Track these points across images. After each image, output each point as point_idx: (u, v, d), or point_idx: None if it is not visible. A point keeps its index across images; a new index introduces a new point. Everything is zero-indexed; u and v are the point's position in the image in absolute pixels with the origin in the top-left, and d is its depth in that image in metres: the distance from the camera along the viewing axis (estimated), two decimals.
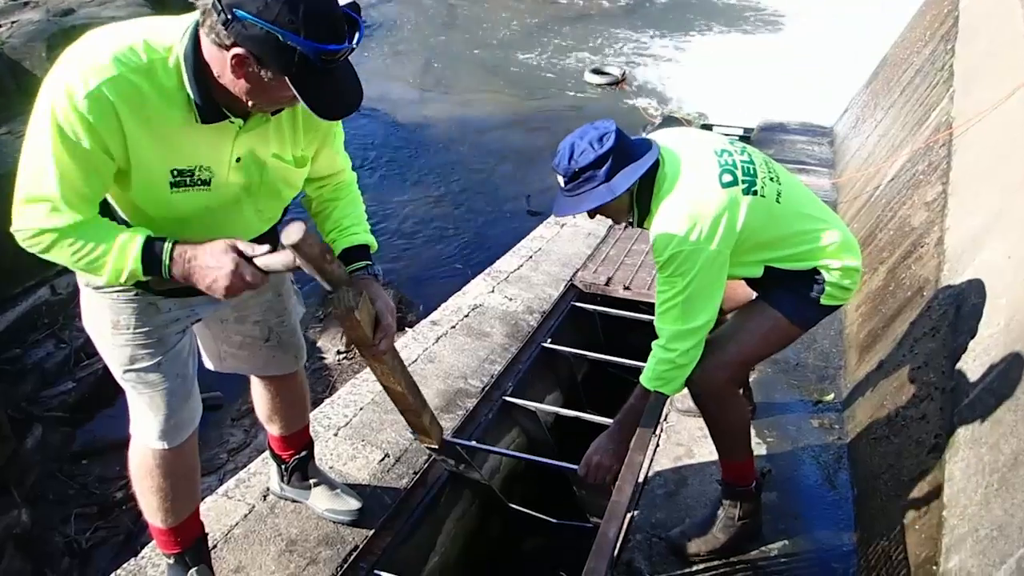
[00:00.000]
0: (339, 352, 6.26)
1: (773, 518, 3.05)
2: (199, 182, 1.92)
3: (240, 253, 1.86)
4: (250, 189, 2.04)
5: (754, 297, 2.69)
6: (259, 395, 2.74)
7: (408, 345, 4.37)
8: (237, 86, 1.76)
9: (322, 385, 5.82)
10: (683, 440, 3.55)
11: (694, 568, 2.86)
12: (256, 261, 1.86)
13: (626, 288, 5.14)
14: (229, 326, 2.47)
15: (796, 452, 3.48)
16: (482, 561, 3.64)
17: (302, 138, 2.07)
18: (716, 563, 2.87)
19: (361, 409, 3.71)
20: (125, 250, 1.83)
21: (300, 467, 2.96)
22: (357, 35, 1.74)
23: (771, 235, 2.46)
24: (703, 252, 2.33)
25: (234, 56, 1.70)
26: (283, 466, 2.96)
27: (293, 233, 1.77)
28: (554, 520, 3.56)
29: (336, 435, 3.50)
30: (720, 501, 2.87)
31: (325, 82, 1.73)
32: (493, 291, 5.10)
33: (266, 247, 1.87)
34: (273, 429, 2.84)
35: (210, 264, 1.84)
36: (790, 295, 2.57)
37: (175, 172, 1.87)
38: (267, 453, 3.07)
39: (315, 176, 2.25)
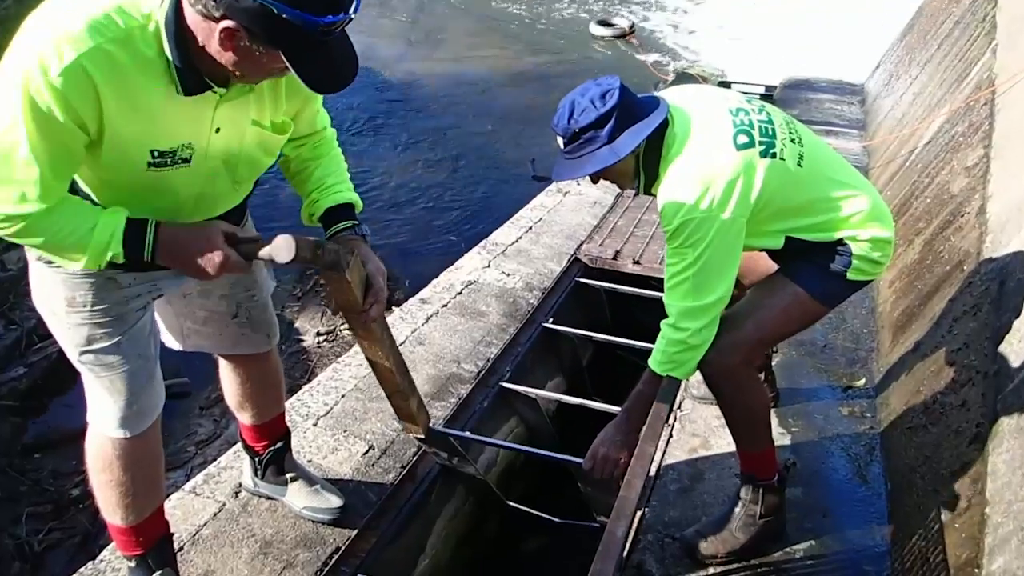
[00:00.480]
0: (319, 334, 6.26)
1: (798, 516, 3.04)
2: (180, 161, 1.92)
3: (228, 237, 1.90)
4: (229, 160, 2.04)
5: (775, 270, 2.68)
6: (228, 379, 2.73)
7: (395, 325, 4.35)
8: (224, 57, 1.75)
9: (300, 370, 5.81)
10: (699, 430, 3.55)
11: (710, 571, 2.85)
12: (243, 248, 1.91)
13: (636, 262, 5.13)
14: (193, 300, 2.46)
15: (823, 443, 3.47)
16: (477, 564, 3.64)
17: (284, 103, 2.06)
18: (735, 566, 2.86)
19: (343, 396, 3.70)
20: (104, 235, 1.84)
21: (275, 460, 2.95)
22: (355, 3, 1.71)
23: (792, 202, 2.45)
24: (716, 220, 2.31)
25: (223, 29, 1.69)
26: (256, 459, 2.95)
27: (283, 251, 1.86)
28: (557, 519, 3.56)
29: (315, 425, 3.49)
30: (739, 497, 2.86)
31: (320, 55, 1.72)
32: (489, 266, 5.09)
33: (254, 234, 1.94)
34: (244, 418, 2.83)
35: (201, 248, 1.88)
36: (813, 268, 2.55)
37: (155, 153, 1.87)
38: (239, 445, 3.06)
39: (295, 136, 2.25)
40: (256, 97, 1.99)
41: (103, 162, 1.84)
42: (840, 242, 2.50)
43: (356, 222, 2.23)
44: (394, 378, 2.50)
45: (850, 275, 2.52)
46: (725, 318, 2.52)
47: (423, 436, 2.86)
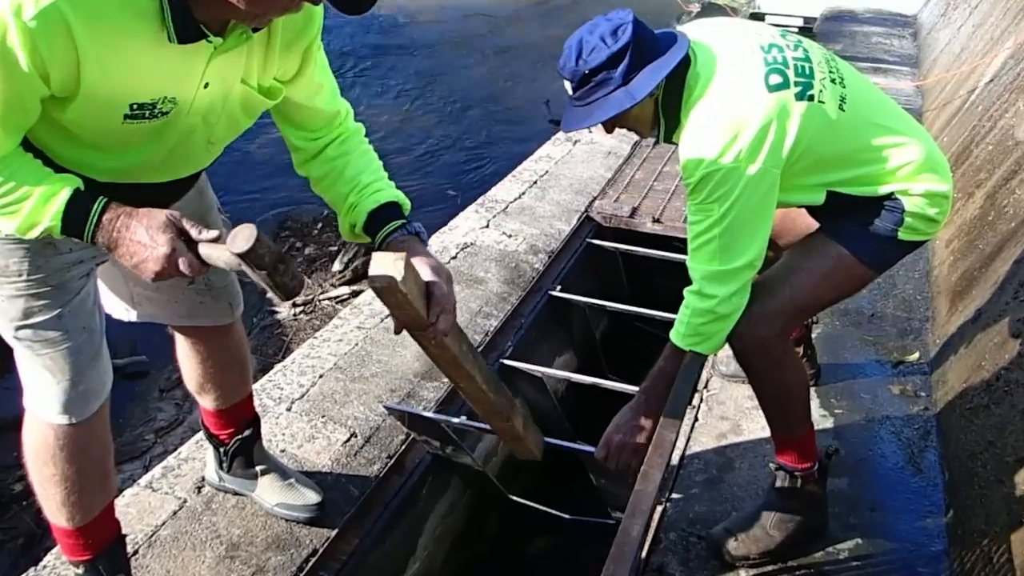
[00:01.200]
0: (295, 304, 6.25)
1: (842, 511, 3.03)
2: (159, 114, 1.90)
3: (181, 232, 1.83)
4: (209, 118, 2.02)
5: (814, 230, 2.65)
6: (186, 357, 2.71)
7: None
8: None
9: (274, 346, 5.82)
10: (728, 412, 3.54)
11: (741, 575, 2.84)
12: (201, 250, 1.84)
13: (656, 221, 5.12)
14: None
15: (871, 426, 3.46)
16: (476, 566, 3.64)
17: (276, 62, 2.05)
18: (770, 568, 2.85)
19: (321, 377, 3.69)
20: (46, 202, 1.81)
21: (243, 451, 2.93)
22: None
23: (833, 151, 2.42)
24: (744, 172, 2.28)
25: None
26: (222, 450, 2.93)
27: (241, 240, 1.74)
28: (566, 515, 3.56)
29: (289, 410, 3.48)
30: (774, 489, 2.84)
31: None
32: (488, 226, 5.09)
33: (215, 232, 1.84)
34: (207, 402, 2.81)
35: (143, 240, 1.81)
36: (859, 227, 2.52)
37: (134, 106, 1.85)
38: (201, 434, 3.04)
39: (310, 128, 2.24)
40: (248, 54, 1.97)
41: (71, 117, 1.82)
42: (889, 197, 2.47)
43: (405, 220, 2.18)
44: (485, 396, 2.44)
45: (901, 234, 2.49)
46: (758, 284, 2.50)
47: (539, 458, 2.86)
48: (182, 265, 1.82)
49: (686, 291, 2.48)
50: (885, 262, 2.60)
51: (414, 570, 3.25)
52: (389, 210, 2.19)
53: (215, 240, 1.83)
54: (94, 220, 1.82)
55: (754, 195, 2.31)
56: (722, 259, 2.37)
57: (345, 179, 2.24)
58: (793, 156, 2.34)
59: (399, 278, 1.86)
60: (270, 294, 1.91)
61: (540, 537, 3.84)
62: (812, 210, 2.65)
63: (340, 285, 6.49)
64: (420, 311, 1.98)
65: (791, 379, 2.63)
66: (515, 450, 2.84)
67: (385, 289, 1.89)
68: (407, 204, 2.24)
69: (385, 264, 1.87)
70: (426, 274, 2.03)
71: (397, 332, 2.08)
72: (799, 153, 2.35)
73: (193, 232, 1.83)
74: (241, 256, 1.73)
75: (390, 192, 2.22)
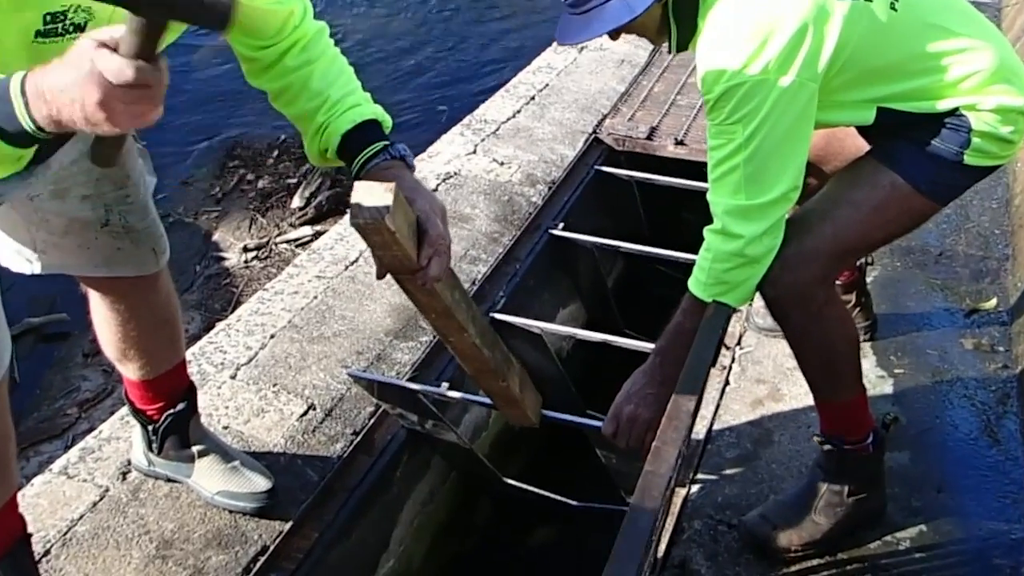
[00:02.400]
0: (246, 249, 6.26)
1: (903, 492, 3.03)
2: (71, 28, 1.87)
3: (101, 43, 1.60)
4: None
5: (864, 153, 2.62)
6: (104, 319, 2.69)
7: (345, 237, 4.34)
8: None
9: (221, 300, 5.84)
10: (765, 374, 3.53)
11: (781, 571, 2.84)
12: (122, 47, 1.60)
13: (679, 143, 5.11)
14: (44, 204, 2.40)
15: (938, 389, 3.46)
16: (464, 562, 3.66)
17: None
18: (817, 563, 2.84)
19: (272, 337, 3.68)
20: None
21: (176, 429, 2.92)
22: None
23: (883, 60, 2.40)
24: (775, 86, 2.25)
25: None
26: (150, 428, 2.92)
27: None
28: (574, 502, 3.55)
29: (234, 378, 3.47)
30: (820, 467, 2.84)
31: None
32: (475, 151, 5.08)
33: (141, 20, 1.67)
34: (130, 371, 2.80)
35: (67, 78, 1.61)
36: (917, 150, 2.49)
37: (48, 18, 1.82)
38: (126, 409, 3.03)
39: (256, 30, 2.16)
40: None
41: None
42: (954, 113, 2.43)
43: (388, 142, 2.16)
44: (479, 352, 2.45)
45: (968, 158, 2.45)
46: (794, 220, 2.49)
47: (536, 424, 2.88)
48: (111, 73, 1.58)
49: (707, 231, 2.46)
50: (949, 191, 2.57)
51: (387, 569, 3.25)
52: (368, 130, 2.16)
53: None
54: (20, 96, 1.63)
55: (786, 114, 2.28)
56: (749, 192, 2.35)
57: (310, 93, 2.19)
58: (834, 67, 2.32)
59: (387, 213, 1.85)
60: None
61: (541, 528, 3.86)
62: (863, 130, 2.62)
63: (300, 225, 6.47)
64: (410, 252, 1.98)
65: (836, 333, 2.60)
66: (509, 416, 2.86)
67: (370, 226, 1.87)
68: (388, 122, 2.22)
69: (370, 195, 1.86)
70: (417, 207, 2.02)
71: (380, 276, 2.06)
72: (842, 63, 2.32)
73: (107, 35, 1.62)
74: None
75: (368, 108, 2.19)
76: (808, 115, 2.33)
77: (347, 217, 4.40)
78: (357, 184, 1.90)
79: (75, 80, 1.59)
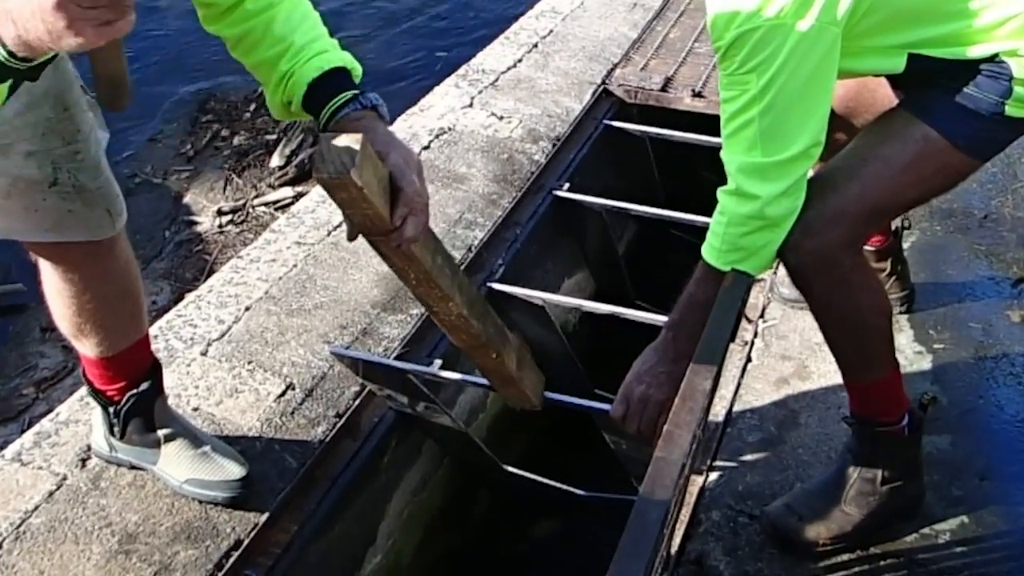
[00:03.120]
0: (221, 212, 6.26)
1: (942, 479, 3.02)
2: None
3: None
4: None
5: (895, 104, 2.61)
6: (57, 290, 2.67)
7: (328, 199, 4.25)
8: None
9: (193, 268, 5.85)
10: (792, 349, 3.53)
11: (809, 567, 2.83)
12: None
13: (697, 95, 5.10)
14: None
15: (982, 366, 3.45)
16: (459, 557, 3.67)
17: None
18: (847, 557, 2.84)
19: (248, 310, 3.68)
20: None
21: (140, 411, 2.91)
22: None
23: (912, 2, 2.39)
24: (792, 31, 2.23)
25: None
26: (111, 410, 2.92)
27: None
28: (581, 491, 3.54)
29: (205, 354, 3.47)
30: (850, 452, 2.84)
31: None
32: (472, 104, 5.07)
33: None
34: (88, 347, 2.79)
35: (32, 4, 1.54)
36: (952, 101, 2.47)
37: None
38: (84, 390, 3.03)
39: None
40: None
41: None
42: (993, 60, 2.40)
43: (359, 90, 2.15)
44: (469, 325, 2.43)
45: (1010, 109, 2.42)
46: (817, 178, 2.48)
47: (537, 406, 2.87)
48: None
49: (720, 192, 2.44)
50: (989, 146, 2.54)
51: (374, 565, 3.25)
52: (336, 79, 2.15)
53: None
54: None
55: (806, 61, 2.26)
56: (765, 148, 2.33)
57: (272, 39, 2.18)
58: (859, 9, 2.29)
59: (354, 167, 1.85)
60: None
61: (544, 519, 3.87)
62: (894, 80, 2.61)
63: (280, 186, 6.47)
64: (381, 210, 1.97)
65: (865, 303, 2.59)
66: (507, 397, 2.85)
67: (335, 182, 1.87)
68: (358, 70, 2.20)
69: (335, 148, 1.86)
70: (390, 162, 2.02)
71: (351, 239, 2.06)
72: (868, 5, 2.30)
73: None
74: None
75: (335, 55, 2.18)
76: (830, 63, 2.31)
77: None
78: (322, 136, 1.90)
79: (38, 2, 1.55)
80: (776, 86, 2.26)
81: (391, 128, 2.12)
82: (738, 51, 2.25)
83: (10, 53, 1.61)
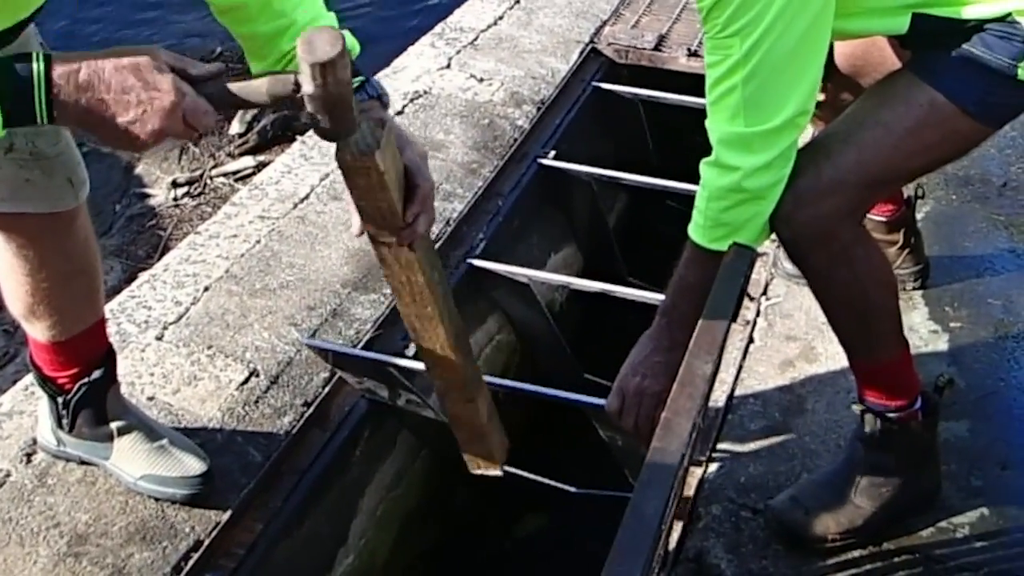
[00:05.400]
0: (176, 184, 6.23)
1: (960, 468, 3.03)
2: None
3: (177, 71, 1.79)
4: None
5: (899, 67, 2.61)
6: (10, 267, 2.66)
7: (293, 169, 4.34)
8: None
9: (146, 246, 5.83)
10: (797, 330, 3.54)
11: (817, 564, 2.84)
12: (233, 88, 1.81)
13: (692, 54, 5.12)
14: None
15: (1003, 346, 3.47)
16: (438, 559, 3.67)
17: None
18: (859, 554, 2.84)
19: (207, 290, 3.67)
20: None
21: (91, 401, 2.91)
22: None
23: None
24: None
25: None
26: (60, 400, 2.91)
27: (324, 44, 1.68)
28: (572, 488, 3.54)
29: (161, 339, 3.46)
30: (859, 440, 2.84)
31: None
32: (450, 65, 5.08)
33: (217, 66, 1.83)
34: (39, 331, 2.78)
35: (133, 87, 1.75)
36: (962, 62, 2.46)
37: None
38: (30, 378, 3.03)
39: None
40: None
41: None
42: (1005, 19, 2.40)
43: (364, 77, 2.16)
44: (452, 357, 2.41)
45: (1022, 72, 2.42)
46: (813, 145, 2.50)
47: (500, 473, 2.85)
48: (197, 120, 1.78)
49: (702, 163, 2.46)
50: (1002, 112, 2.54)
51: (346, 566, 3.26)
52: None
53: (217, 76, 1.81)
54: (42, 85, 1.73)
55: (794, 24, 2.25)
56: (748, 117, 2.33)
57: (271, 13, 2.19)
58: None
59: (379, 149, 1.86)
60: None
61: (532, 517, 3.89)
62: (902, 42, 2.60)
63: (240, 155, 6.45)
64: (396, 203, 1.98)
65: (868, 278, 2.59)
66: (469, 455, 2.79)
67: (359, 164, 1.88)
68: (356, 49, 2.20)
69: (359, 130, 1.87)
70: (405, 156, 2.03)
71: (360, 233, 2.05)
72: None
73: (191, 68, 1.80)
74: (323, 67, 1.67)
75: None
76: (822, 25, 2.31)
77: (296, 145, 4.43)
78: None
79: (153, 94, 1.75)
80: (761, 51, 2.25)
81: (394, 119, 2.13)
82: (721, 12, 2.24)
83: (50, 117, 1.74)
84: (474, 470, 2.82)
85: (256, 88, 1.78)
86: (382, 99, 2.15)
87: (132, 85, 1.74)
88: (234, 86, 1.79)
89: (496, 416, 2.74)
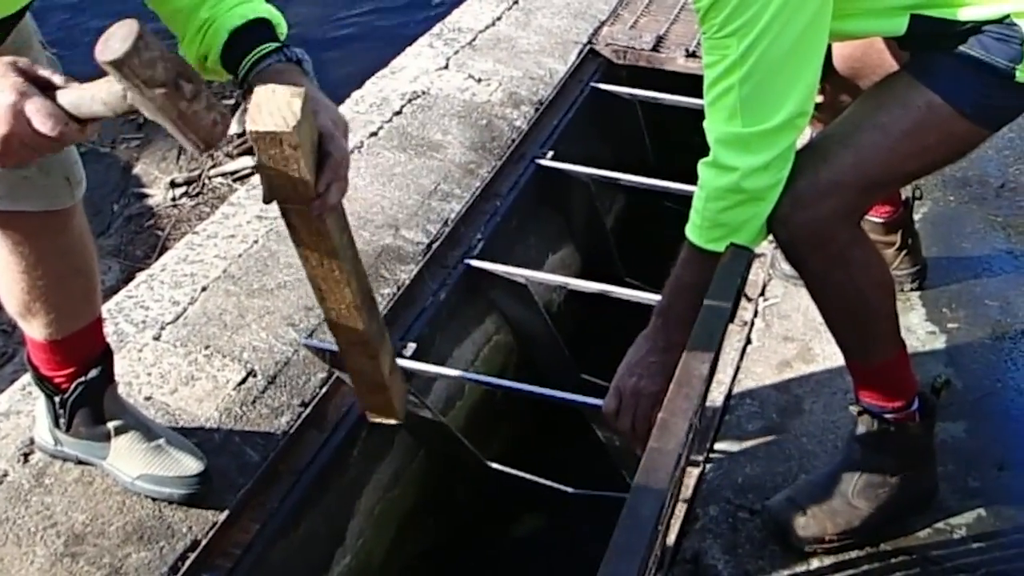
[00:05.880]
0: (174, 184, 6.23)
1: (957, 469, 3.03)
2: None
3: (27, 76, 1.75)
4: None
5: (896, 69, 2.61)
6: (4, 261, 2.65)
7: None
8: None
9: (145, 245, 5.83)
10: (795, 330, 3.53)
11: (814, 565, 2.84)
12: (62, 98, 1.75)
13: (691, 55, 5.10)
14: None
15: (1000, 347, 3.46)
16: (436, 560, 3.67)
17: None
18: (856, 555, 2.84)
19: (204, 290, 3.66)
20: None
21: (88, 400, 2.90)
22: None
23: None
24: None
25: None
26: (57, 400, 2.90)
27: (116, 42, 1.62)
28: (570, 488, 3.54)
29: (158, 339, 3.45)
30: (856, 440, 2.84)
31: None
32: (448, 66, 5.07)
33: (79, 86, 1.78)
34: (35, 329, 2.78)
35: None
36: (959, 64, 2.46)
37: None
38: (28, 377, 3.03)
39: None
40: None
41: None
42: (1003, 21, 2.39)
43: (280, 43, 2.14)
44: (357, 318, 2.39)
45: (1021, 74, 2.42)
46: (810, 147, 2.49)
47: (400, 421, 2.82)
48: (40, 121, 1.71)
49: (700, 163, 2.45)
50: (1000, 114, 2.54)
51: (343, 566, 3.25)
52: (259, 30, 2.13)
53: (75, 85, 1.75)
54: None
55: (791, 25, 2.24)
56: (746, 117, 2.33)
57: None
58: None
59: (293, 122, 1.82)
60: (185, 144, 1.81)
61: (529, 517, 3.88)
62: (901, 43, 2.59)
63: (239, 155, 6.44)
64: (309, 175, 1.94)
65: (865, 280, 2.58)
66: (369, 405, 2.75)
67: (270, 136, 1.84)
68: (283, 26, 2.19)
69: (272, 101, 1.83)
70: (319, 122, 2.00)
71: (267, 201, 2.02)
72: None
73: (51, 78, 1.76)
74: (119, 66, 1.62)
75: (259, 5, 2.16)
76: (820, 26, 2.31)
77: None
78: (257, 90, 1.86)
79: None
80: (758, 51, 2.25)
81: (315, 82, 2.10)
82: (718, 13, 2.23)
83: None
84: (372, 419, 2.81)
85: (88, 101, 1.73)
86: (302, 64, 2.12)
87: None
88: (64, 97, 1.73)
89: (398, 370, 2.71)
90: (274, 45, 2.10)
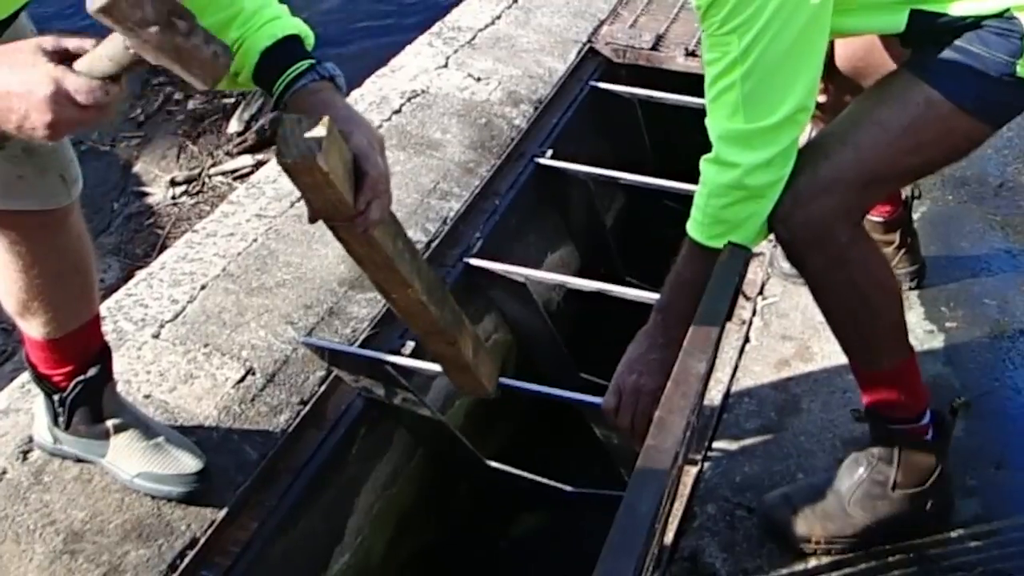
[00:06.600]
0: (174, 183, 6.23)
1: (956, 468, 2.99)
2: None
3: (56, 57, 1.73)
4: None
5: (896, 67, 2.60)
6: (1, 261, 2.65)
7: None
8: None
9: (145, 244, 5.83)
10: (793, 329, 3.53)
11: (810, 564, 2.83)
12: (78, 67, 1.73)
13: (690, 54, 5.09)
14: None
15: (999, 346, 3.46)
16: (434, 558, 3.66)
17: None
18: (853, 554, 2.83)
19: (204, 288, 3.66)
20: None
21: (87, 399, 2.90)
22: None
23: None
24: None
25: None
26: (56, 398, 2.90)
27: None
28: (568, 487, 3.54)
29: (157, 337, 3.45)
30: (863, 446, 2.82)
31: None
32: (447, 64, 5.06)
33: (91, 41, 1.76)
34: (33, 328, 2.78)
35: (12, 87, 1.72)
36: (959, 60, 2.45)
37: None
38: (26, 376, 3.03)
39: None
40: None
41: None
42: (1003, 16, 2.39)
43: (315, 60, 2.13)
44: (428, 312, 2.41)
45: (1022, 69, 2.41)
46: (810, 145, 2.48)
47: (491, 393, 2.85)
48: (80, 95, 1.71)
49: (702, 160, 2.45)
50: (1001, 111, 2.53)
51: (342, 564, 3.25)
52: (290, 47, 2.13)
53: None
54: None
55: (792, 21, 2.24)
56: (748, 114, 2.33)
57: (220, 2, 2.15)
58: None
59: (319, 150, 1.83)
60: (191, 82, 1.80)
61: (528, 516, 3.88)
62: (902, 40, 2.57)
63: (238, 154, 6.44)
64: (346, 196, 1.95)
65: (867, 281, 2.57)
66: (459, 384, 2.82)
67: (299, 165, 1.85)
68: (311, 37, 2.19)
69: (299, 129, 1.84)
70: (353, 142, 2.00)
71: (312, 221, 2.03)
72: None
73: (71, 44, 1.74)
74: (108, 11, 1.60)
75: (288, 22, 2.16)
76: (820, 22, 2.30)
77: None
78: (285, 116, 1.88)
79: (27, 91, 1.69)
80: (759, 48, 2.25)
81: (349, 100, 2.10)
82: (719, 10, 2.23)
83: None
84: (464, 394, 2.83)
85: (99, 61, 1.71)
86: (335, 80, 2.13)
87: (12, 89, 1.72)
88: (81, 64, 1.72)
89: (483, 348, 2.75)
90: (307, 64, 2.10)
